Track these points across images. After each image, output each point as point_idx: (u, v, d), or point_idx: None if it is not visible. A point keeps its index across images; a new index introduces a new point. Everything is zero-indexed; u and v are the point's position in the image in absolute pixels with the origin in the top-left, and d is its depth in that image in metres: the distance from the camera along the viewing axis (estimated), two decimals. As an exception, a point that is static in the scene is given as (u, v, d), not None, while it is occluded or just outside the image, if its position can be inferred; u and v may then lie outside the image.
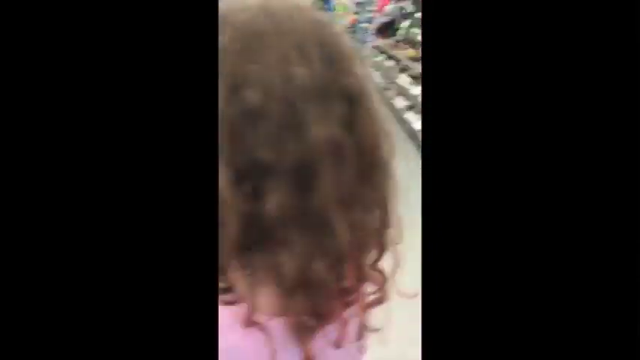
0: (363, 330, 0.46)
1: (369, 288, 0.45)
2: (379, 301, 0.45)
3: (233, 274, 0.39)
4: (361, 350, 0.48)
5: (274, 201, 0.36)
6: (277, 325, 0.40)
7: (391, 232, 0.44)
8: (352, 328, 0.44)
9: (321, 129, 0.37)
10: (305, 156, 0.36)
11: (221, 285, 0.39)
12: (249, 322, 0.39)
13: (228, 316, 0.38)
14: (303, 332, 0.40)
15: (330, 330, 0.42)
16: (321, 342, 0.41)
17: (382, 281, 0.45)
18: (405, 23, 5.62)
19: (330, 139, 0.37)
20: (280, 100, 0.36)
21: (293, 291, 0.38)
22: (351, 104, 0.40)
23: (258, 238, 0.38)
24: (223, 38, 0.38)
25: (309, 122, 0.36)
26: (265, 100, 0.36)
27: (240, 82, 0.37)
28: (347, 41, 0.42)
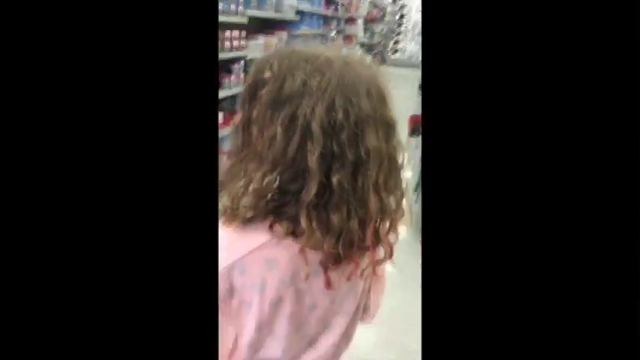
0: (366, 272, 0.70)
1: (380, 250, 0.69)
2: (384, 260, 0.70)
3: (304, 221, 0.60)
4: (355, 296, 0.74)
5: (337, 178, 0.58)
6: (314, 256, 0.64)
7: (400, 215, 0.67)
8: (360, 270, 0.69)
9: (373, 141, 0.60)
10: (360, 156, 0.60)
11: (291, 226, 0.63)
12: (301, 250, 0.62)
13: (292, 245, 0.63)
14: (330, 262, 0.64)
15: (345, 268, 0.66)
16: (337, 274, 0.66)
17: (390, 248, 0.69)
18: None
19: (377, 148, 0.61)
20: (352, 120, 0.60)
21: (334, 237, 0.61)
22: (387, 128, 0.63)
23: (324, 201, 0.60)
24: (326, 79, 0.60)
25: (365, 136, 0.60)
26: (345, 119, 0.59)
27: (331, 108, 0.59)
28: (386, 84, 0.66)
